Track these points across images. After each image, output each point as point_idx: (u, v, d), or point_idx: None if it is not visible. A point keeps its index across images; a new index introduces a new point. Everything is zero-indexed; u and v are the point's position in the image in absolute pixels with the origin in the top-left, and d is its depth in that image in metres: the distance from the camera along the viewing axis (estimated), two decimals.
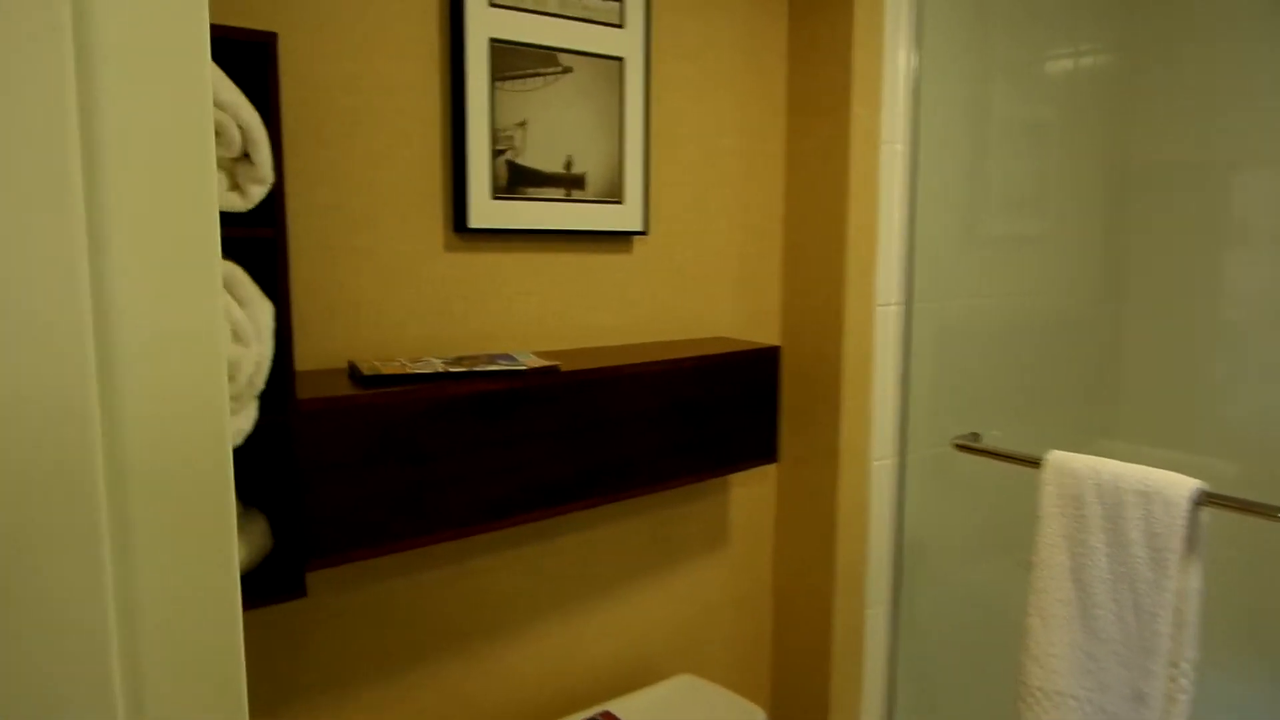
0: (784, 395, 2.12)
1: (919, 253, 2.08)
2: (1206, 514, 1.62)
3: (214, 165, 0.57)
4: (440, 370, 1.40)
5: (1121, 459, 1.74)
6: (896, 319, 2.06)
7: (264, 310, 1.05)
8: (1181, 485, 1.61)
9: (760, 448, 1.86)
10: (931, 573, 2.20)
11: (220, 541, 0.62)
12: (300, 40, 1.40)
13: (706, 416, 1.74)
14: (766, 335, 2.10)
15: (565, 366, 1.55)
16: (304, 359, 1.44)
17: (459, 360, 1.48)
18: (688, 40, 1.87)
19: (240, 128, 1.01)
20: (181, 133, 0.56)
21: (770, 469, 2.14)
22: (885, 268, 2.03)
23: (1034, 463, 1.82)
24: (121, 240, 0.55)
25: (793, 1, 2.03)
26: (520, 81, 1.60)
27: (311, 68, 1.41)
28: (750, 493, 2.11)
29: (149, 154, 0.55)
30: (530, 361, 1.50)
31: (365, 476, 1.28)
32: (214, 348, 0.59)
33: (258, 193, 1.05)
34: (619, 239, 1.80)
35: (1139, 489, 1.65)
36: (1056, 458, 1.77)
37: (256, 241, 1.14)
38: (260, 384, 1.04)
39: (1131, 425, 2.65)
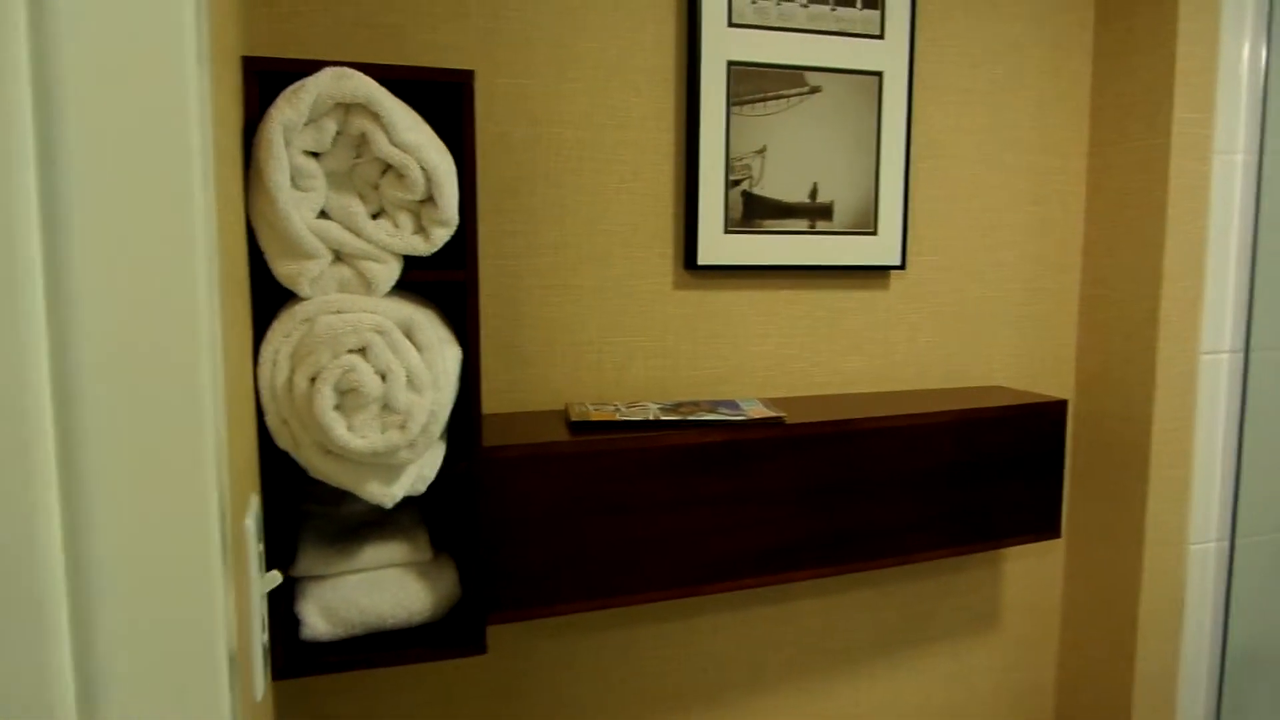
0: (1075, 459, 1.79)
1: (1261, 287, 1.67)
2: None
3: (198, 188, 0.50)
4: (654, 418, 1.30)
5: None
6: (1229, 370, 1.67)
7: (445, 356, 1.01)
8: None
9: (1038, 520, 1.57)
10: (1272, 694, 1.75)
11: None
12: (533, 79, 1.37)
13: (970, 480, 1.49)
14: (1056, 388, 1.78)
15: (803, 417, 1.39)
16: (524, 400, 1.41)
17: (677, 407, 1.38)
18: (963, 46, 1.63)
19: (424, 169, 0.97)
20: (152, 141, 0.49)
21: (1056, 544, 1.82)
22: (1215, 306, 1.65)
23: None
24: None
25: None
26: (760, 105, 1.47)
27: (543, 104, 1.38)
28: (1029, 569, 1.80)
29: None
30: (755, 411, 1.36)
31: (564, 528, 1.21)
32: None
33: (441, 235, 1.02)
34: (872, 274, 1.61)
35: None
36: None
37: (449, 285, 1.11)
38: (436, 432, 0.99)
39: None
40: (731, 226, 1.47)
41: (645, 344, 1.48)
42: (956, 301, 1.68)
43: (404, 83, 1.04)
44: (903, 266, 1.60)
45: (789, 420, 1.35)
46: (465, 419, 1.10)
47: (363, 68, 0.97)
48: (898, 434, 1.42)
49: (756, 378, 1.55)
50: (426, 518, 1.21)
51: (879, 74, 1.54)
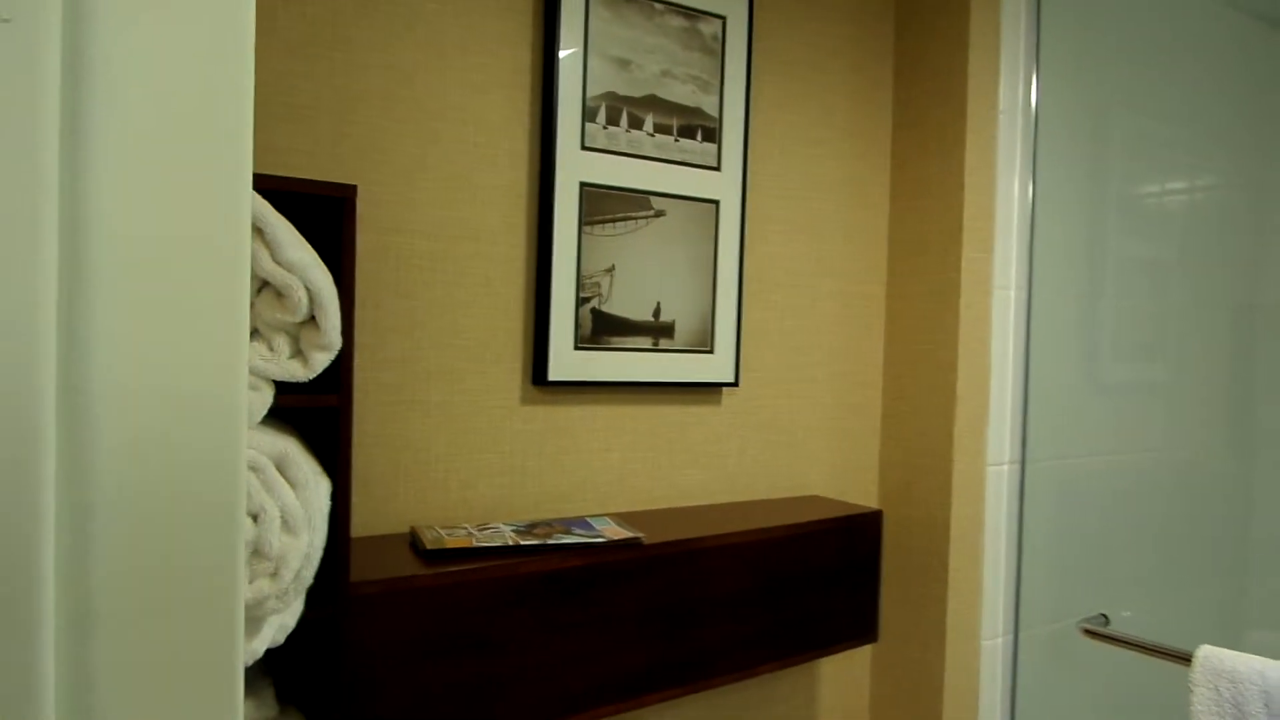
0: (883, 564, 1.92)
1: (1034, 405, 1.90)
2: None
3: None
4: (510, 543, 1.26)
5: (1277, 654, 1.50)
6: (1010, 479, 1.87)
7: (320, 492, 0.93)
8: None
9: (859, 626, 1.66)
10: None
11: None
12: (383, 188, 1.33)
13: (800, 591, 1.55)
14: (864, 495, 1.92)
15: (648, 532, 1.40)
16: (366, 524, 1.32)
17: (531, 528, 1.34)
18: (787, 181, 1.77)
19: (308, 290, 0.91)
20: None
21: (865, 647, 1.92)
22: (998, 422, 1.85)
23: (1182, 658, 1.58)
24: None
25: (897, 138, 1.92)
26: (610, 225, 1.51)
27: (393, 215, 1.34)
28: (842, 671, 1.90)
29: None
30: (610, 531, 1.35)
31: (423, 669, 1.14)
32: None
33: (321, 360, 0.95)
34: (708, 390, 1.67)
35: None
36: (1210, 654, 1.53)
37: (318, 410, 1.04)
38: (309, 577, 0.91)
39: (1276, 609, 2.36)
40: (581, 343, 1.48)
41: (493, 461, 1.44)
42: (780, 416, 1.78)
43: (271, 194, 0.97)
44: (736, 383, 1.67)
45: (646, 539, 1.36)
46: (332, 559, 1.02)
47: None
48: (739, 550, 1.47)
49: (600, 493, 1.55)
50: (268, 666, 1.09)
51: (716, 202, 1.63)
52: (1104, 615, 1.82)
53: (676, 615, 1.39)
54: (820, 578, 1.59)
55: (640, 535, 1.35)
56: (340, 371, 1.01)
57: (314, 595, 1.01)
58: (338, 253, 1.01)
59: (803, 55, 1.79)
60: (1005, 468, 1.86)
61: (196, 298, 0.48)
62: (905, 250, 1.90)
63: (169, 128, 0.48)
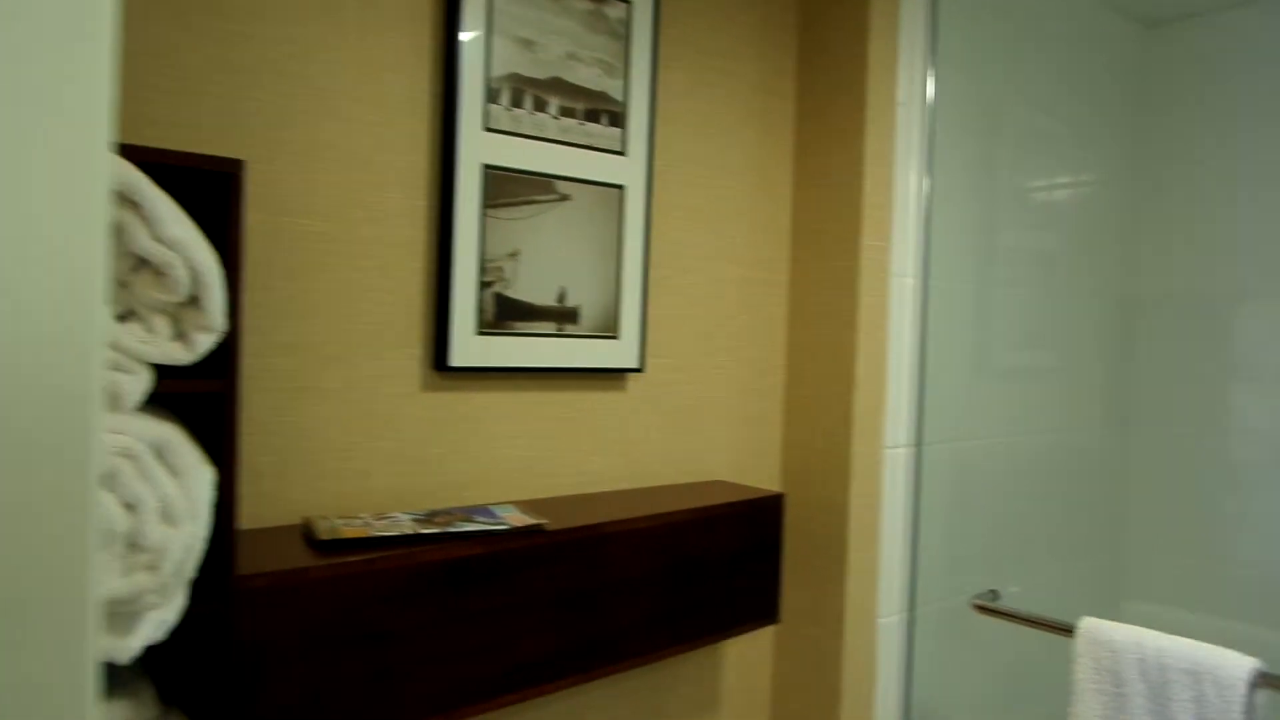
0: (785, 547, 1.95)
1: (930, 390, 1.96)
2: (1263, 696, 1.46)
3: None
4: (410, 532, 1.23)
5: (1155, 623, 1.59)
6: (906, 462, 1.93)
7: (202, 481, 0.89)
8: (1236, 665, 1.46)
9: (761, 608, 1.69)
10: None
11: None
12: (277, 164, 1.28)
13: (704, 574, 1.57)
14: (767, 479, 1.95)
15: (552, 518, 1.39)
16: (257, 515, 1.28)
17: (432, 517, 1.32)
18: (693, 167, 1.77)
19: (191, 269, 0.87)
20: None
21: (767, 628, 1.96)
22: (894, 407, 1.90)
23: (1065, 630, 1.66)
24: None
25: (800, 128, 1.95)
26: (514, 209, 1.49)
27: (286, 193, 1.29)
28: (744, 653, 1.93)
29: None
30: (512, 519, 1.34)
31: (318, 665, 1.10)
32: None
33: (205, 342, 0.91)
34: (613, 376, 1.67)
35: (1188, 667, 1.49)
36: (1091, 626, 1.61)
37: (201, 396, 0.99)
38: (190, 570, 0.87)
39: (1156, 580, 2.49)
40: (483, 328, 1.46)
41: (391, 449, 1.40)
42: (685, 402, 1.79)
43: (150, 167, 0.93)
44: (641, 369, 1.67)
45: (550, 526, 1.35)
46: (217, 552, 0.98)
47: (118, 149, 0.85)
48: (644, 535, 1.47)
49: (504, 481, 1.53)
50: (149, 666, 1.04)
51: (622, 187, 1.62)
52: (994, 591, 1.90)
53: (581, 601, 1.39)
54: (723, 561, 1.61)
55: (543, 522, 1.34)
56: (226, 355, 0.97)
57: (198, 589, 0.97)
58: (227, 231, 0.97)
59: (709, 42, 1.79)
60: (902, 450, 1.92)
61: (41, 272, 0.45)
62: (807, 238, 1.93)
63: (11, 89, 0.44)
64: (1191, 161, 2.46)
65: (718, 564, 1.60)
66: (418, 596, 1.20)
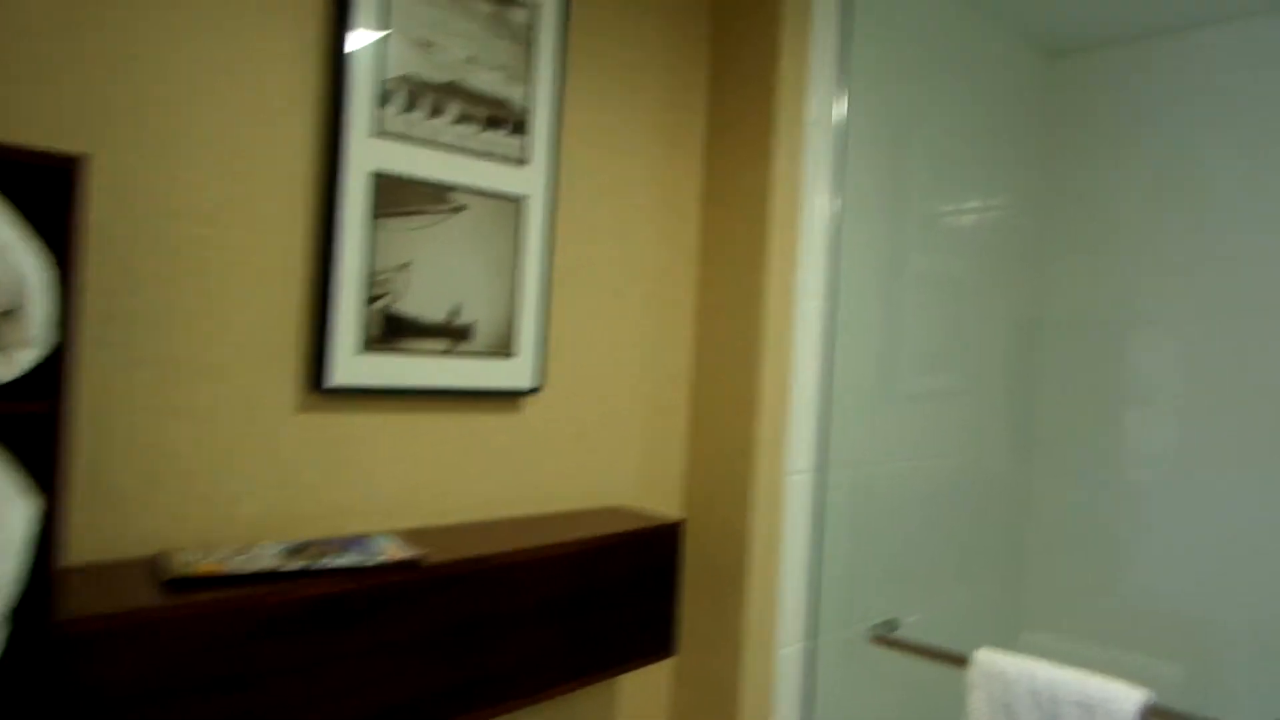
0: (684, 574, 1.90)
1: (835, 414, 1.93)
2: None
3: None
4: (271, 567, 1.14)
5: (1051, 654, 1.59)
6: (809, 487, 1.90)
7: (14, 514, 0.79)
8: (1126, 698, 1.46)
9: (657, 641, 1.63)
10: None
11: None
12: (141, 163, 1.16)
13: (598, 607, 1.50)
14: (670, 505, 1.89)
15: (438, 548, 1.31)
16: (105, 547, 1.16)
17: (301, 549, 1.22)
18: (598, 180, 1.71)
19: (11, 276, 0.77)
20: None
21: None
22: (799, 431, 1.87)
23: (960, 661, 1.64)
24: None
25: (710, 144, 1.91)
26: (405, 219, 1.40)
27: (152, 193, 1.18)
28: (641, 685, 1.87)
29: None
30: (389, 551, 1.25)
31: (164, 715, 1.00)
32: None
33: (26, 358, 0.81)
34: (509, 398, 1.59)
35: (1079, 700, 1.49)
36: (985, 658, 1.60)
37: (29, 417, 0.88)
38: (2, 612, 0.77)
39: (1054, 608, 2.53)
40: (368, 346, 1.37)
41: (264, 474, 1.30)
42: (585, 425, 1.72)
43: None
44: (538, 390, 1.60)
45: (428, 559, 1.26)
46: (39, 590, 0.87)
47: None
48: (533, 566, 1.40)
49: (387, 509, 1.44)
50: None
51: (522, 199, 1.55)
52: (893, 620, 1.88)
53: (465, 638, 1.30)
54: (618, 592, 1.55)
55: (422, 554, 1.26)
56: (55, 373, 0.86)
57: (14, 634, 0.86)
58: (65, 236, 0.87)
59: (618, 54, 1.74)
60: (805, 475, 1.89)
61: None
62: (715, 257, 1.89)
63: None
64: (1095, 189, 2.51)
65: (612, 595, 1.53)
66: (278, 638, 1.10)
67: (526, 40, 1.55)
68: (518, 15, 1.53)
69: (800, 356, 1.86)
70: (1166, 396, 2.37)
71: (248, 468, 1.28)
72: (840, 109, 1.90)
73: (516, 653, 1.38)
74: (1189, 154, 2.35)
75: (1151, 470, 2.38)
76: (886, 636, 1.80)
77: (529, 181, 1.56)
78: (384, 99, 1.36)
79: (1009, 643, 1.70)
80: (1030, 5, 2.27)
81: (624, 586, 1.55)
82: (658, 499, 1.87)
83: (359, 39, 1.33)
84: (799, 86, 1.82)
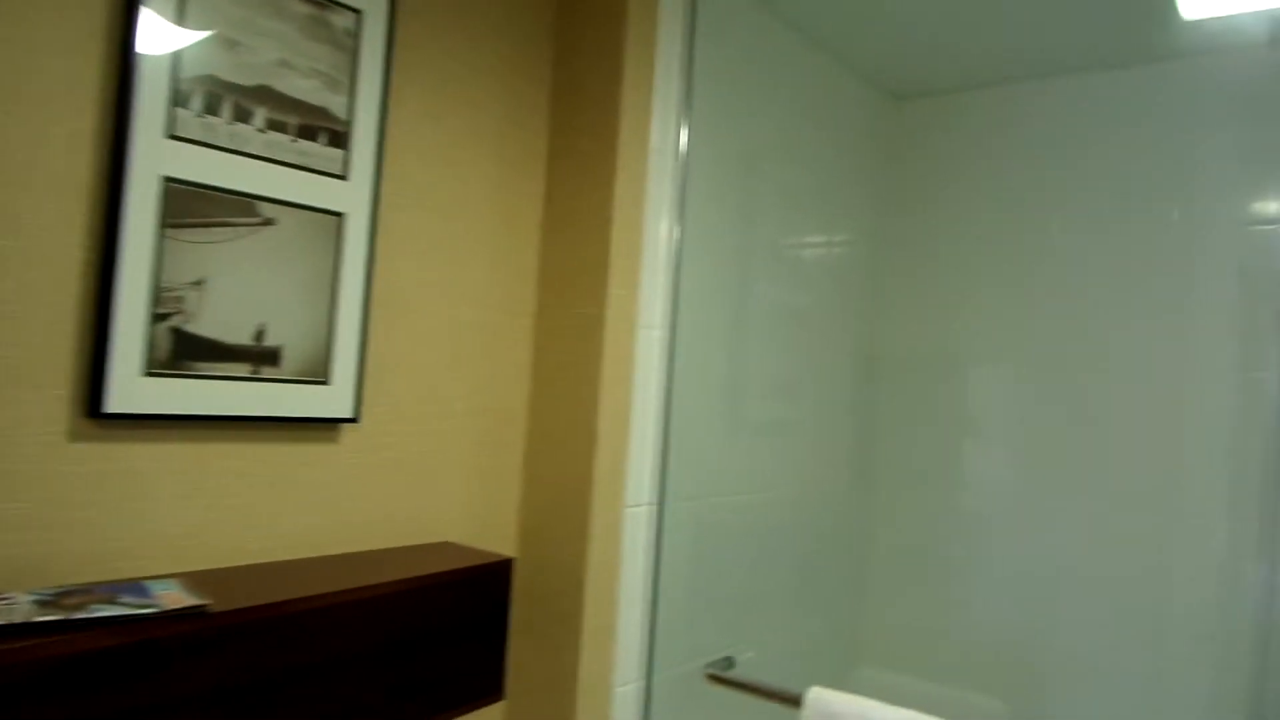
0: (516, 612, 1.81)
1: (675, 446, 1.90)
2: None
3: None
4: (22, 620, 0.99)
5: (886, 691, 1.59)
6: (648, 521, 1.85)
7: None
8: None
9: (486, 684, 1.54)
10: None
11: None
12: None
13: (420, 652, 1.40)
14: (502, 539, 1.81)
15: (234, 598, 1.18)
16: None
17: (62, 598, 1.08)
18: (431, 198, 1.63)
19: None
20: None
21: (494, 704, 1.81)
22: (638, 463, 1.82)
23: (793, 700, 1.62)
24: None
25: (551, 166, 1.86)
26: (202, 231, 1.28)
27: None
28: None
29: None
30: (168, 598, 1.12)
31: None
32: None
33: None
34: (323, 426, 1.48)
35: None
36: (816, 696, 1.59)
37: None
38: None
39: (892, 643, 2.56)
40: (155, 368, 1.23)
41: (27, 511, 1.14)
42: (411, 456, 1.62)
43: None
44: (357, 419, 1.49)
45: (215, 607, 1.14)
46: None
47: None
48: (345, 611, 1.29)
49: (178, 549, 1.30)
50: None
51: (341, 215, 1.45)
52: (729, 658, 1.85)
53: (259, 694, 1.18)
54: (443, 636, 1.45)
55: (207, 602, 1.13)
56: None
57: None
58: None
59: (453, 69, 1.67)
60: (644, 509, 1.84)
61: None
62: (554, 282, 1.83)
63: None
64: (936, 228, 2.60)
65: (436, 640, 1.43)
66: (23, 702, 0.95)
67: (350, 48, 1.46)
68: (340, 20, 1.44)
69: (640, 386, 1.82)
70: (998, 429, 2.46)
71: (9, 504, 1.12)
72: (684, 137, 1.89)
73: (324, 708, 1.26)
74: (1022, 198, 2.46)
75: (984, 502, 2.46)
76: (721, 675, 1.77)
77: (350, 196, 1.46)
78: (180, 99, 1.24)
79: (845, 678, 1.70)
80: (875, 51, 2.34)
81: (450, 629, 1.46)
82: (490, 534, 1.78)
83: (150, 30, 1.21)
84: (643, 111, 1.79)
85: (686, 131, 1.90)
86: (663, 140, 1.85)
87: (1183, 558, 2.16)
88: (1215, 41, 2.04)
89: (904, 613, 2.54)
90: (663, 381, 1.87)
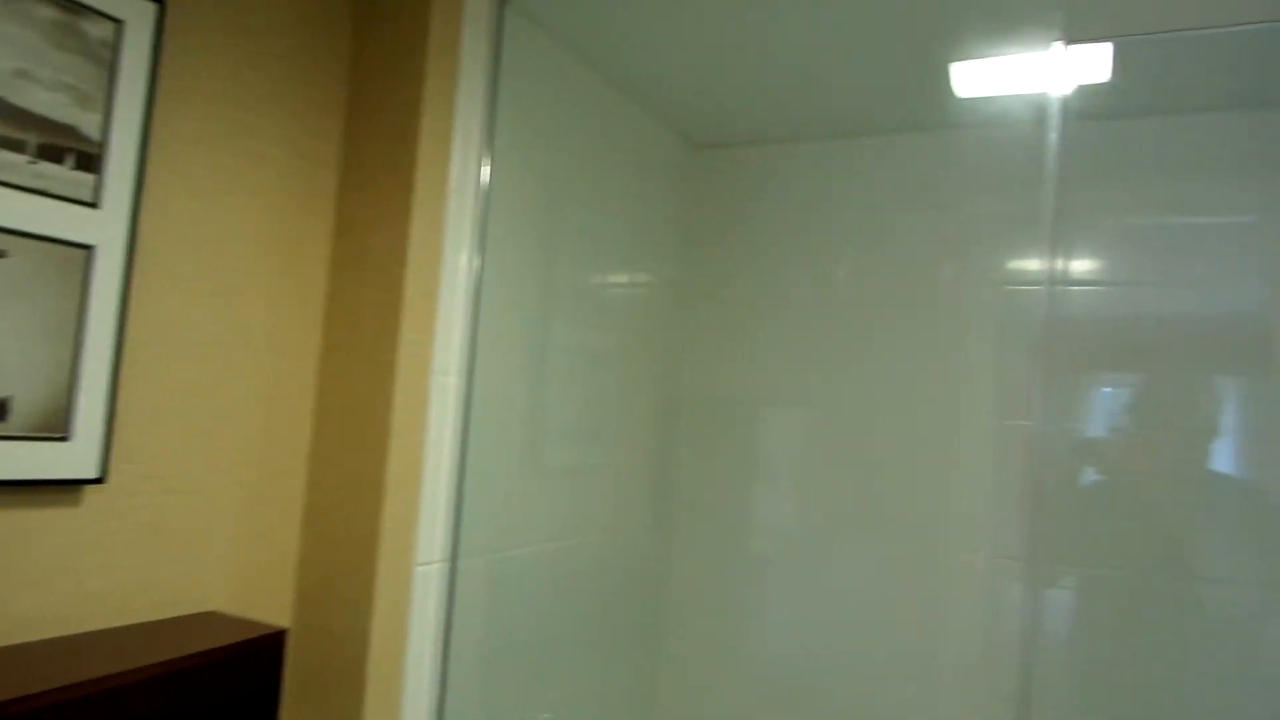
0: (290, 683, 1.66)
1: (470, 498, 1.81)
2: None
3: None
4: None
5: None
6: (439, 579, 1.75)
7: None
8: None
9: None
10: None
11: None
12: None
13: None
14: (279, 606, 1.65)
15: None
16: None
17: None
18: (200, 232, 1.47)
19: None
20: None
21: None
22: (429, 518, 1.72)
23: None
24: None
25: (343, 201, 1.74)
26: None
27: None
28: None
29: None
30: None
31: None
32: None
33: None
34: (60, 489, 1.28)
35: None
36: None
37: None
38: None
39: (689, 694, 2.57)
40: None
41: None
42: (168, 517, 1.45)
43: None
44: (103, 479, 1.31)
45: None
46: None
47: None
48: (74, 708, 1.11)
49: None
50: None
51: (90, 247, 1.28)
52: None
53: None
54: None
55: None
56: None
57: None
58: None
59: (233, 92, 1.52)
60: (435, 566, 1.74)
61: None
62: (342, 326, 1.71)
63: None
64: (733, 274, 2.66)
65: None
66: None
67: (107, 60, 1.29)
68: (95, 29, 1.27)
69: (433, 437, 1.72)
70: (786, 472, 2.54)
71: None
72: (486, 172, 1.82)
73: None
74: (809, 249, 2.56)
75: (771, 543, 2.53)
76: None
77: (101, 227, 1.29)
78: None
79: None
80: (673, 100, 2.37)
81: (210, 714, 1.30)
82: (262, 600, 1.62)
83: None
84: (443, 145, 1.71)
85: (489, 167, 1.84)
86: (463, 175, 1.77)
87: (950, 592, 2.30)
88: (986, 117, 2.22)
89: (700, 659, 2.55)
90: (458, 429, 1.79)
